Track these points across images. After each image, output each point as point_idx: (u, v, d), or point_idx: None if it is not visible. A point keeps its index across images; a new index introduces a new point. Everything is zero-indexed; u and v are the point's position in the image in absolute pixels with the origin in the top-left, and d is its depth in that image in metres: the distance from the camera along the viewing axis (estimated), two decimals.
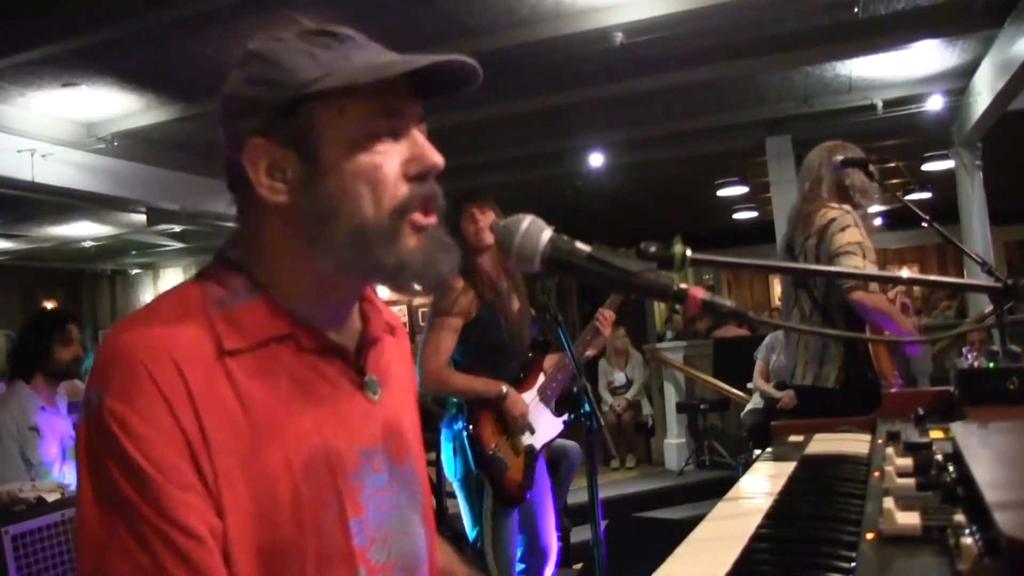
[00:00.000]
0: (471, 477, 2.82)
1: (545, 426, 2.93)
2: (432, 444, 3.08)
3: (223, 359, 0.81)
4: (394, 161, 0.85)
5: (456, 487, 2.90)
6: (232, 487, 0.78)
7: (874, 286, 2.84)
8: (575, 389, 2.49)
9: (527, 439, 2.86)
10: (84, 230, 9.22)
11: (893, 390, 2.77)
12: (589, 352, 3.00)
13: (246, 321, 0.84)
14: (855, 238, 2.82)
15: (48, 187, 6.08)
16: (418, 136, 0.88)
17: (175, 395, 0.77)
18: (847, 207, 2.95)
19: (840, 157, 2.99)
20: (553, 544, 3.00)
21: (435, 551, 1.02)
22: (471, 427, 2.78)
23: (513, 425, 2.81)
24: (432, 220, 0.88)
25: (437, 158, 0.87)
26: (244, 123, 0.85)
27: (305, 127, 0.83)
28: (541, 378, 2.98)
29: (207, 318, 0.83)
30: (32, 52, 4.60)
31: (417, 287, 0.89)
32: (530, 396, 2.91)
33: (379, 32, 0.90)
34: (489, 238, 2.79)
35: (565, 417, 3.02)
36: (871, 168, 2.95)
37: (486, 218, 2.86)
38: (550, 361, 3.03)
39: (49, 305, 10.72)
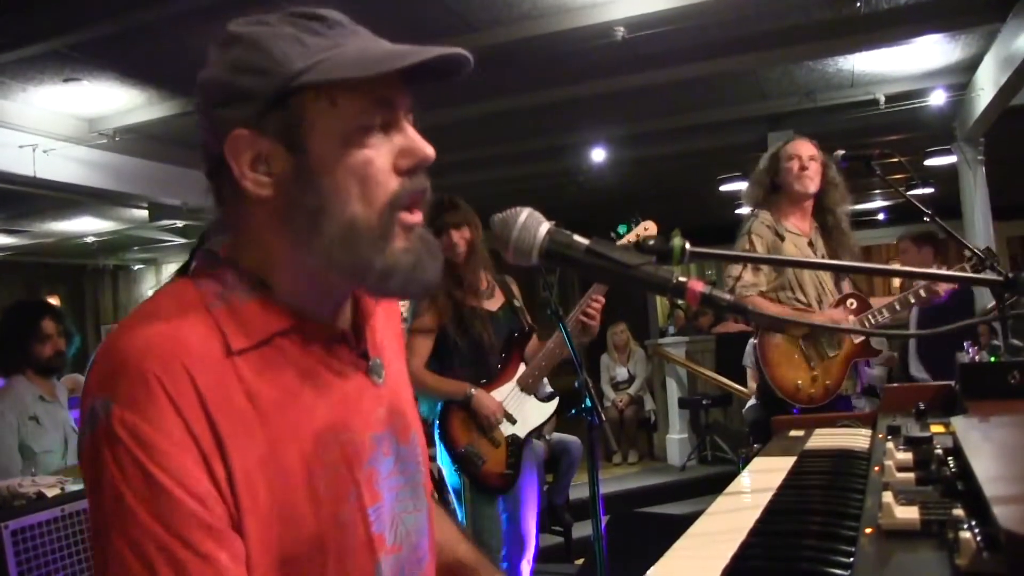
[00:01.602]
0: (452, 469, 2.94)
1: (529, 414, 2.99)
2: None
3: (232, 358, 0.79)
4: (385, 155, 0.82)
5: (445, 476, 3.01)
6: (251, 489, 0.76)
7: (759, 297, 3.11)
8: (576, 385, 2.50)
9: (509, 429, 2.95)
10: (86, 225, 9.21)
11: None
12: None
13: (248, 317, 0.82)
14: (742, 245, 3.18)
15: (50, 182, 6.07)
16: (409, 128, 0.84)
17: (186, 403, 0.74)
18: (762, 212, 3.19)
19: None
20: (532, 534, 3.04)
21: (434, 523, 1.02)
22: (441, 429, 2.93)
23: (484, 424, 2.90)
24: (419, 218, 0.85)
25: (429, 151, 0.84)
26: (227, 112, 0.81)
27: (294, 119, 0.79)
28: (521, 368, 3.02)
29: (209, 315, 0.80)
30: (34, 47, 4.58)
31: (402, 294, 0.87)
32: (507, 389, 2.98)
33: (379, 27, 0.88)
34: (459, 257, 2.98)
35: (555, 401, 3.07)
36: (872, 163, 2.95)
37: (461, 235, 2.98)
38: (532, 349, 3.06)
39: (46, 298, 10.68)
